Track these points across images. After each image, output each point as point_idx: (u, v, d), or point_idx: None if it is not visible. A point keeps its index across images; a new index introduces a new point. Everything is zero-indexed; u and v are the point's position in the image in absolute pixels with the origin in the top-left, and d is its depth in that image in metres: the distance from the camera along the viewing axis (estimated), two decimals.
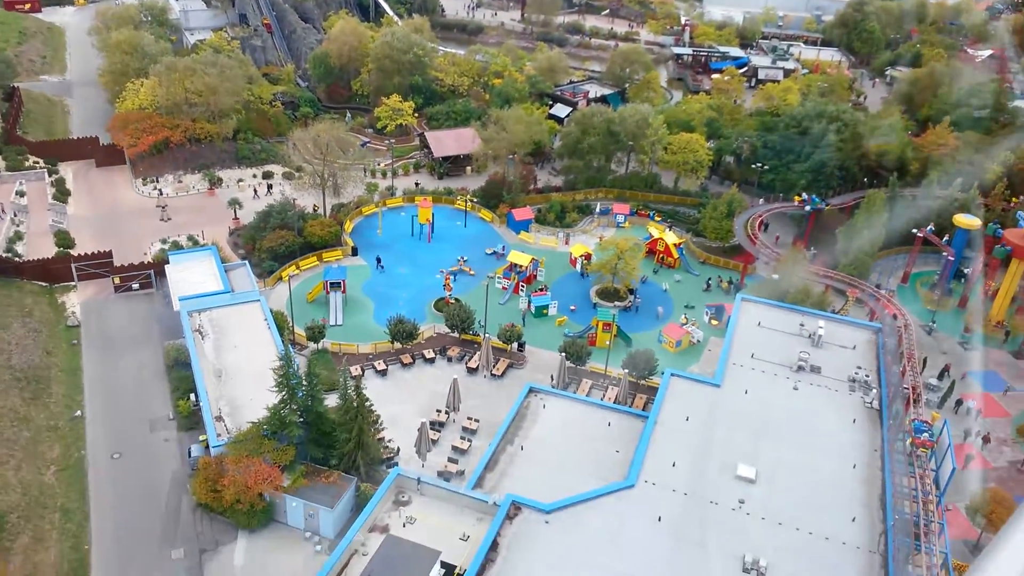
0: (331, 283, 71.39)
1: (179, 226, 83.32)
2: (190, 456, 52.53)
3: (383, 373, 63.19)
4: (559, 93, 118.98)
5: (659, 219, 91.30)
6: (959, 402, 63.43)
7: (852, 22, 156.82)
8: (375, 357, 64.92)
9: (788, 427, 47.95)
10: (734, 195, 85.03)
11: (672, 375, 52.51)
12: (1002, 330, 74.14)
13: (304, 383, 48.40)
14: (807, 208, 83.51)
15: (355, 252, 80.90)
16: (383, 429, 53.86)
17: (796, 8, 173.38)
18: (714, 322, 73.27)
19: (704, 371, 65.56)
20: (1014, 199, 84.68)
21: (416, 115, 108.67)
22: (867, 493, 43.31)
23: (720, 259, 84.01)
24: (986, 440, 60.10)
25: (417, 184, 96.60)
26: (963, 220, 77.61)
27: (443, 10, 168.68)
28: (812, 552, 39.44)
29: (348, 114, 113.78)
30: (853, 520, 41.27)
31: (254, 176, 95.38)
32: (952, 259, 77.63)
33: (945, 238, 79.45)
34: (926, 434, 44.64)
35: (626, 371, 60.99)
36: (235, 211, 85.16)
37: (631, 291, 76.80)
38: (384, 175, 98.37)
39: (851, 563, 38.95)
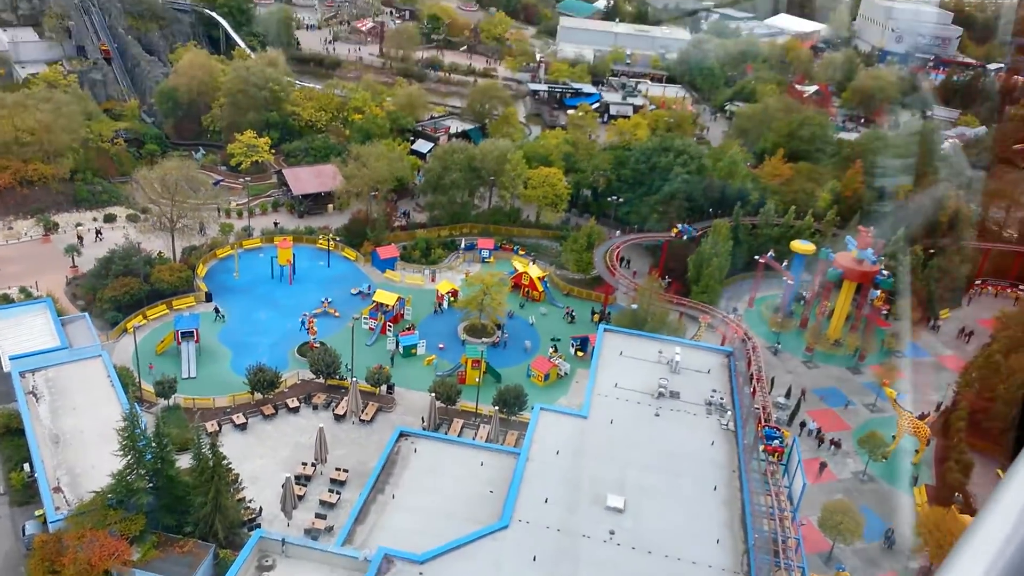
0: (182, 332, 67.48)
1: (9, 277, 76.31)
2: (24, 534, 47.61)
3: (242, 427, 60.09)
4: (420, 128, 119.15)
5: (523, 253, 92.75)
6: (803, 424, 67.71)
7: (693, 60, 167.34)
8: (233, 410, 61.68)
9: (652, 454, 49.34)
10: (592, 227, 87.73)
11: (541, 409, 52.87)
12: (839, 347, 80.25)
13: (152, 444, 45.15)
14: (684, 237, 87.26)
15: (209, 298, 76.96)
16: (243, 488, 51.13)
17: (642, 47, 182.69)
18: (579, 353, 74.86)
19: (572, 403, 66.72)
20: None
21: (273, 151, 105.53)
22: (728, 514, 45.12)
23: (583, 291, 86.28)
24: (837, 445, 64.68)
25: (276, 224, 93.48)
26: (799, 246, 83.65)
27: (299, 44, 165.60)
28: None
29: (200, 150, 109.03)
30: (717, 542, 42.80)
31: (94, 219, 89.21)
32: (792, 283, 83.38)
33: (785, 263, 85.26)
34: (776, 440, 47.22)
35: (496, 408, 61.07)
36: (73, 258, 79.16)
37: (498, 326, 77.31)
38: (240, 215, 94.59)
39: None
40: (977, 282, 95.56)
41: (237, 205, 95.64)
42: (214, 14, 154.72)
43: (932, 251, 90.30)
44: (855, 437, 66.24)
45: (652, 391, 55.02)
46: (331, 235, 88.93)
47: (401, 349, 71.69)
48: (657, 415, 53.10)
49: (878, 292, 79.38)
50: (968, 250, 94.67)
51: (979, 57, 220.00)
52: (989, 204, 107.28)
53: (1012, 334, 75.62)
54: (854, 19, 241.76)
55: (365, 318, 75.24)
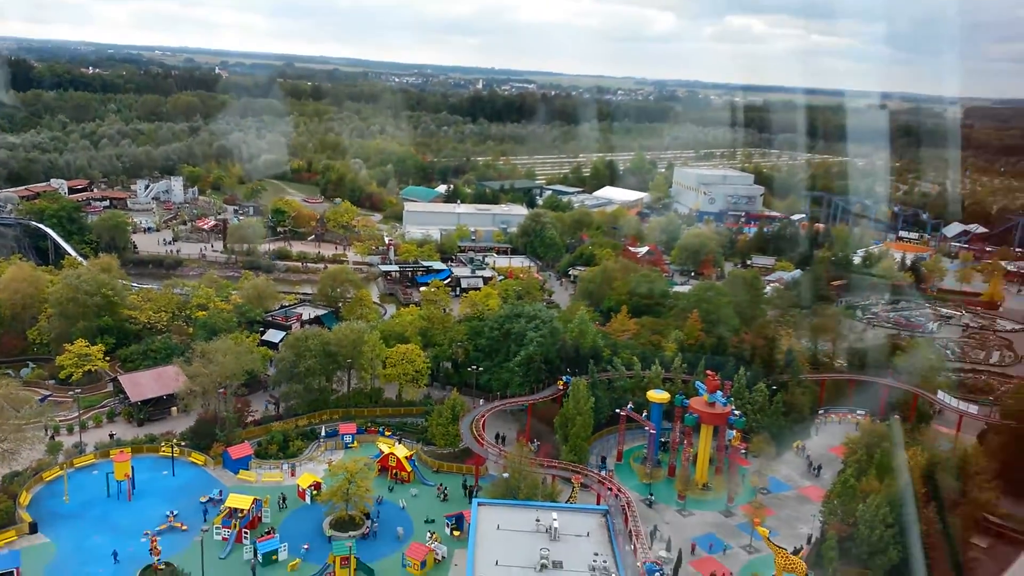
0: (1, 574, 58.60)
1: None
2: None
3: None
4: (270, 319, 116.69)
5: (389, 433, 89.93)
6: None
7: (533, 231, 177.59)
8: None
9: None
10: (455, 399, 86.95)
11: None
12: (709, 491, 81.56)
13: None
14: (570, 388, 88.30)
15: (34, 529, 68.08)
16: None
17: (484, 223, 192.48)
18: (456, 533, 71.52)
19: None
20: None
21: (107, 359, 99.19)
22: None
23: (453, 465, 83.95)
24: None
25: (112, 435, 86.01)
26: (654, 395, 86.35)
27: (135, 247, 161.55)
28: None
29: (29, 365, 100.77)
30: None
31: None
32: (654, 432, 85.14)
33: (644, 413, 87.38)
34: (658, 573, 51.29)
35: None
36: None
37: (367, 515, 72.98)
38: (70, 430, 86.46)
39: None
40: (820, 412, 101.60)
41: (64, 420, 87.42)
42: (41, 225, 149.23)
43: (775, 387, 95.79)
44: None
45: (534, 564, 52.85)
46: (175, 440, 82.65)
47: (260, 557, 65.47)
48: None
49: (734, 432, 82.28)
50: (807, 383, 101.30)
51: (782, 210, 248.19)
52: (816, 338, 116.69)
53: (860, 457, 79.84)
54: (671, 187, 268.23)
55: (217, 527, 68.81)
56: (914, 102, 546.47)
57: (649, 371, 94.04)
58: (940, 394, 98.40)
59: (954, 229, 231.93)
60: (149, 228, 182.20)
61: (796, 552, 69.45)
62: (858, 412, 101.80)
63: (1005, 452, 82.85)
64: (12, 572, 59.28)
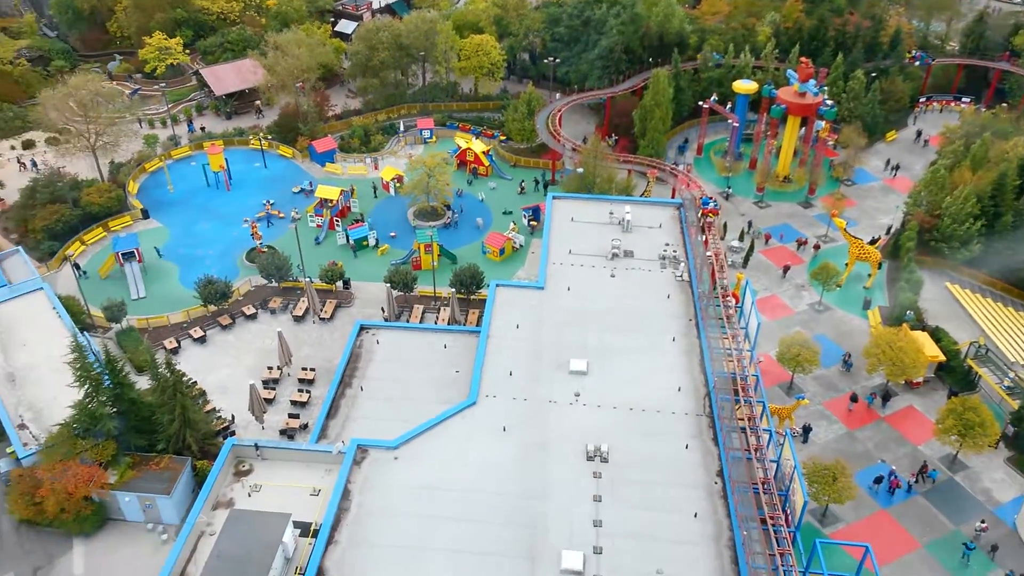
0: (123, 253, 65.31)
1: None
2: None
3: (202, 340, 59.38)
4: (341, 8, 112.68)
5: (492, 135, 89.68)
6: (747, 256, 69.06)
7: None
8: (190, 324, 60.79)
9: (611, 314, 49.83)
10: (531, 93, 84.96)
11: (497, 285, 52.81)
12: (789, 183, 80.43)
13: (107, 370, 44.44)
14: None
15: (146, 215, 74.31)
16: (210, 400, 51.00)
17: None
18: (533, 224, 74.26)
19: (529, 275, 66.93)
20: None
21: (187, 52, 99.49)
22: (688, 362, 46.20)
23: (530, 160, 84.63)
24: (786, 269, 67.67)
25: (203, 128, 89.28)
26: (741, 86, 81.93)
27: None
28: (646, 427, 41.83)
29: (116, 59, 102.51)
30: (679, 390, 44.02)
31: (12, 148, 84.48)
32: (737, 125, 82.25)
33: (728, 105, 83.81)
34: (712, 203, 57.22)
35: (454, 290, 60.91)
36: None
37: (448, 207, 76.08)
38: (164, 123, 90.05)
39: (682, 429, 41.74)
40: (921, 100, 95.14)
41: (156, 114, 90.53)
42: None
43: (875, 74, 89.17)
44: (808, 270, 67.36)
45: (606, 253, 55.02)
46: (263, 134, 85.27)
47: (352, 242, 70.39)
48: (613, 276, 53.31)
49: (823, 123, 78.72)
50: (911, 68, 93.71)
51: None
52: (930, 18, 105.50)
53: (956, 148, 76.05)
54: None
55: (311, 215, 73.43)
56: None
57: (739, 59, 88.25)
58: None
59: None
60: None
61: (873, 242, 69.77)
62: (963, 100, 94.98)
63: None
64: (133, 252, 65.86)
